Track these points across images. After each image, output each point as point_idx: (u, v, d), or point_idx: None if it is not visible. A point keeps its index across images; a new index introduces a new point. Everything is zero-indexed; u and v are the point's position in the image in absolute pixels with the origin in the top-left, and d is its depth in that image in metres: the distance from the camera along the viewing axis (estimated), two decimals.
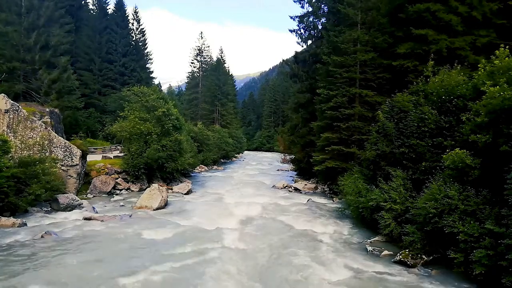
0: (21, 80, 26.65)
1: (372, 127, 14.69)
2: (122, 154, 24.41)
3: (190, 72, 68.85)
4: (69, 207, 15.42)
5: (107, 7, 47.62)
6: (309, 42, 29.00)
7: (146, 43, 50.34)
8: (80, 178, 19.11)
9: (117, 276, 8.36)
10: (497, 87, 8.77)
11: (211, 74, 63.67)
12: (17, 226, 12.17)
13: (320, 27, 27.70)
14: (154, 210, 16.01)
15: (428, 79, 13.01)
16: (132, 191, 21.36)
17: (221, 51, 68.39)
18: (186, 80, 72.99)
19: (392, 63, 17.50)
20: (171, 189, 21.96)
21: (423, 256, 9.68)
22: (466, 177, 9.37)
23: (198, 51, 66.68)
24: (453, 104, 11.23)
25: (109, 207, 16.85)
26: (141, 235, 11.94)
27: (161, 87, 61.03)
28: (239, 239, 11.78)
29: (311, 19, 28.08)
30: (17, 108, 17.29)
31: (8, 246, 10.24)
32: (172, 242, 11.37)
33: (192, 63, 67.38)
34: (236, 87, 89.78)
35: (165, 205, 16.93)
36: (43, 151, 16.86)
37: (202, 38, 66.80)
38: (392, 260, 9.99)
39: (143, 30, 49.41)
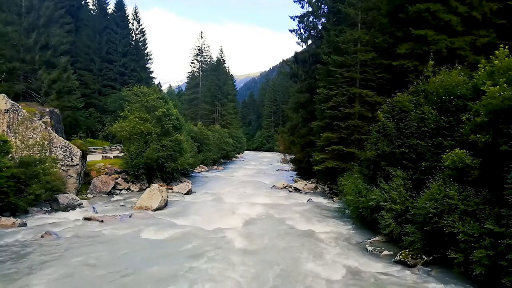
0: (21, 80, 26.68)
1: (372, 127, 14.69)
2: (122, 154, 24.41)
3: (190, 72, 69.02)
4: (69, 207, 15.43)
5: (107, 7, 47.68)
6: (309, 42, 29.01)
7: (146, 43, 50.40)
8: (80, 178, 19.11)
9: (116, 276, 8.36)
10: (497, 87, 8.76)
11: (211, 74, 63.73)
12: (17, 226, 12.17)
13: (320, 27, 27.72)
14: (154, 210, 16.01)
15: (428, 79, 13.01)
16: (132, 191, 21.36)
17: (221, 51, 68.44)
18: (186, 80, 73.10)
19: (392, 63, 17.50)
20: (171, 189, 21.96)
21: (423, 256, 9.68)
22: (466, 177, 9.37)
23: (198, 51, 66.82)
24: (453, 104, 11.22)
25: (109, 207, 16.85)
26: (141, 235, 11.94)
27: (161, 87, 60.99)
28: (239, 239, 11.76)
29: (311, 19, 28.10)
30: (17, 108, 17.29)
31: (8, 246, 10.24)
32: (172, 242, 11.37)
33: (192, 63, 67.55)
34: (236, 87, 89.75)
35: (165, 205, 16.93)
36: (43, 151, 16.86)
37: (202, 38, 67.02)
38: (392, 260, 9.99)
39: (143, 30, 49.47)
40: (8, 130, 16.80)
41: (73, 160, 18.30)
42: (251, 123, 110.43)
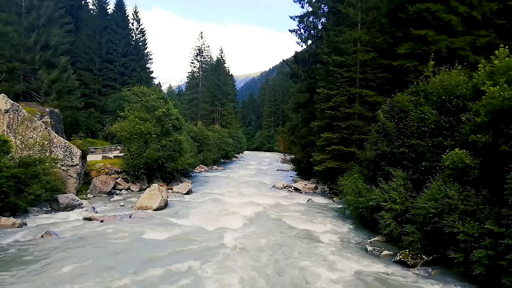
0: (21, 80, 26.64)
1: (372, 127, 14.69)
2: (122, 154, 24.41)
3: (190, 72, 68.89)
4: (69, 207, 15.42)
5: (107, 7, 47.65)
6: (309, 42, 29.06)
7: (146, 43, 50.37)
8: (80, 178, 19.11)
9: (116, 276, 8.35)
10: (497, 87, 8.78)
11: (211, 74, 63.73)
12: (17, 226, 12.17)
13: (320, 27, 27.75)
14: (154, 210, 16.00)
15: (428, 79, 13.02)
16: (132, 191, 21.36)
17: (221, 51, 68.37)
18: (186, 80, 73.00)
19: (392, 63, 17.52)
20: (171, 189, 21.96)
21: (423, 256, 9.68)
22: (466, 177, 9.37)
23: (198, 51, 66.72)
24: (453, 104, 11.23)
25: (109, 207, 16.85)
26: (141, 235, 11.93)
27: (161, 87, 61.03)
28: (239, 239, 11.76)
29: (311, 19, 28.13)
30: (17, 108, 17.29)
31: (8, 246, 10.24)
32: (172, 242, 11.37)
33: (192, 63, 67.44)
34: (236, 87, 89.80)
35: (165, 205, 16.92)
36: (43, 151, 16.85)
37: (202, 38, 66.90)
38: (392, 260, 9.99)
39: (143, 30, 49.45)
40: (8, 130, 16.80)
41: (73, 160, 18.30)
42: (251, 123, 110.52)
